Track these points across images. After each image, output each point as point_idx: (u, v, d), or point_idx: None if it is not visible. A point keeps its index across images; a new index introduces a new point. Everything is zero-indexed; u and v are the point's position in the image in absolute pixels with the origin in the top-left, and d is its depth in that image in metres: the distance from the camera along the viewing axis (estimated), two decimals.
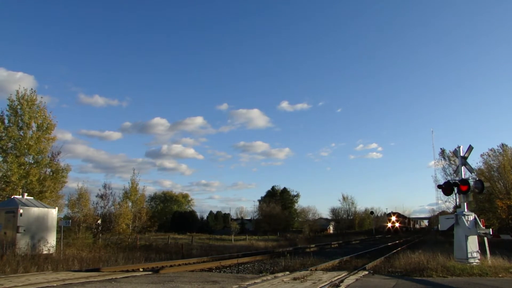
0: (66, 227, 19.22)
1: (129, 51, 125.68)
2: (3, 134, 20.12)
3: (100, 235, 25.64)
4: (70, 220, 21.29)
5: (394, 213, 70.34)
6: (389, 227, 66.80)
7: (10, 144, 20.28)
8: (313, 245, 24.43)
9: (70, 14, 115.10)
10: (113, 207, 28.43)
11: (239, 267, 13.11)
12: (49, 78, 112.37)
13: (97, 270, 11.22)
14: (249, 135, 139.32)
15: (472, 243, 11.38)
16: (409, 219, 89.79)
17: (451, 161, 37.13)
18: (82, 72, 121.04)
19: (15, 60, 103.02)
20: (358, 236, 49.58)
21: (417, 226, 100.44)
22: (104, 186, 28.33)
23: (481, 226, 11.62)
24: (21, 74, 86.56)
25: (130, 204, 30.87)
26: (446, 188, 12.37)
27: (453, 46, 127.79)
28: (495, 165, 31.44)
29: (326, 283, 8.34)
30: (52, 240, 16.21)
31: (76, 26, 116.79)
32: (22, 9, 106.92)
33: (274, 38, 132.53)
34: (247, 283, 8.50)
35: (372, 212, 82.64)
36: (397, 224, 68.03)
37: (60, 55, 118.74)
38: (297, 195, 77.74)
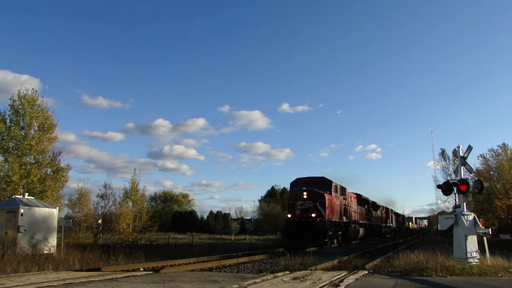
0: (66, 227, 19.26)
1: (133, 53, 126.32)
2: (5, 134, 20.19)
3: (101, 234, 25.71)
4: (71, 220, 21.35)
5: (309, 181, 25.62)
6: (288, 218, 24.39)
7: (11, 144, 20.35)
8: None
9: (74, 17, 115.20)
10: (113, 207, 28.54)
11: (239, 266, 13.13)
12: (54, 80, 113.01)
13: (98, 269, 11.25)
14: (250, 136, 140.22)
15: (472, 243, 11.40)
16: (390, 210, 51.78)
17: (450, 161, 37.21)
18: (86, 74, 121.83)
19: (20, 62, 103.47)
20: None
21: (411, 224, 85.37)
22: (105, 186, 28.51)
23: (481, 226, 11.64)
24: (26, 77, 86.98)
25: (130, 204, 30.95)
26: (446, 188, 12.39)
27: (453, 46, 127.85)
28: (494, 165, 31.49)
29: (326, 283, 8.36)
30: (52, 240, 16.24)
31: (80, 29, 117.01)
32: (26, 12, 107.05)
33: (275, 41, 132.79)
34: (247, 283, 8.52)
35: None
36: (313, 214, 22.98)
37: (64, 58, 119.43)
38: None
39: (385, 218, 47.12)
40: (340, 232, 26.15)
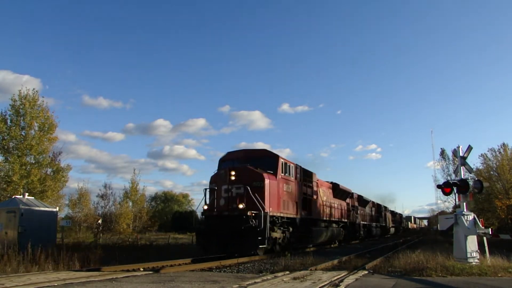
0: (67, 227, 19.30)
1: (133, 54, 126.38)
2: (5, 134, 20.23)
3: (101, 234, 25.71)
4: (71, 220, 21.38)
5: (243, 156, 17.23)
6: (204, 211, 16.11)
7: (12, 144, 20.38)
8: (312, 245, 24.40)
9: (75, 17, 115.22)
10: (113, 207, 28.59)
11: (239, 266, 13.13)
12: (54, 80, 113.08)
13: (98, 269, 11.25)
14: (250, 137, 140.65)
15: (472, 243, 11.41)
16: (383, 207, 45.67)
17: (450, 161, 37.25)
18: (87, 75, 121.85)
19: (21, 63, 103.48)
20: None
21: (410, 224, 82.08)
22: (105, 186, 28.55)
23: (481, 226, 11.66)
24: (27, 77, 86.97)
25: (130, 204, 30.98)
26: (446, 188, 12.41)
27: (452, 46, 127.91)
28: (494, 165, 31.53)
29: (326, 283, 8.36)
30: (53, 239, 16.24)
31: (80, 29, 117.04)
32: (28, 13, 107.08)
33: (275, 42, 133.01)
34: (247, 283, 8.52)
35: None
36: (240, 206, 14.68)
37: (65, 58, 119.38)
38: None
39: (376, 216, 40.23)
40: (289, 231, 17.83)
